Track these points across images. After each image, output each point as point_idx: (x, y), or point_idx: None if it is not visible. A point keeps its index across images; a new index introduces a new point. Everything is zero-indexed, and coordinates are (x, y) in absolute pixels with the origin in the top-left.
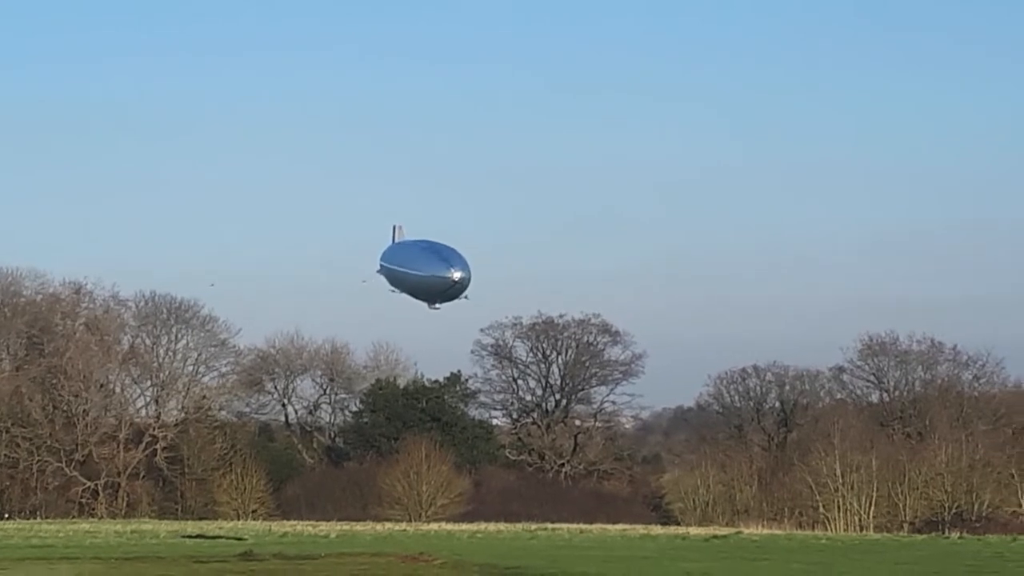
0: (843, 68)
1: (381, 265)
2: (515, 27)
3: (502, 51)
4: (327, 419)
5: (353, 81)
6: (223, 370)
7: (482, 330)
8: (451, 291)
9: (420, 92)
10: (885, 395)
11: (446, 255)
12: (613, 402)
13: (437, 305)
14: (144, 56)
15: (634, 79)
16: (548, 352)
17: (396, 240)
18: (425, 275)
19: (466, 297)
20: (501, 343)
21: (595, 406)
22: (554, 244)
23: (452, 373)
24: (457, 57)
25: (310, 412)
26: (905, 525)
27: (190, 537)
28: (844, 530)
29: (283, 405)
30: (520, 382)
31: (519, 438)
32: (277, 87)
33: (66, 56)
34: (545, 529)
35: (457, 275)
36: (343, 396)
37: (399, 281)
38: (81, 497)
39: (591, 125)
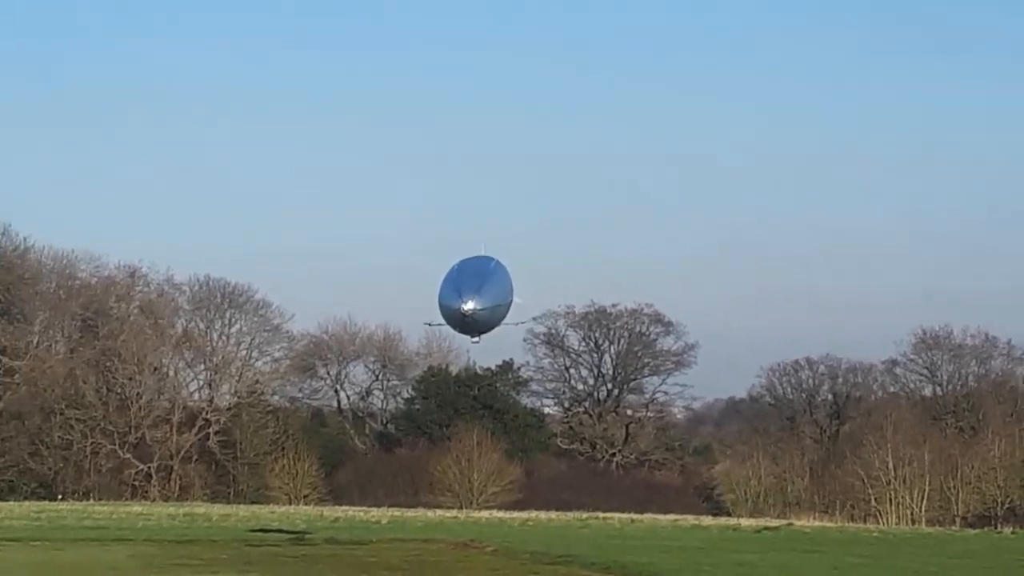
0: (889, 55)
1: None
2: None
3: (535, 40)
4: (379, 405)
5: (402, 70)
6: (276, 355)
7: (534, 319)
8: (465, 325)
9: (454, 81)
10: (938, 389)
11: (460, 282)
12: (665, 392)
13: (475, 339)
14: (202, 38)
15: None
16: (600, 341)
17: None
18: (443, 304)
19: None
20: (554, 332)
21: (647, 396)
22: (604, 232)
23: (504, 361)
24: (492, 46)
25: (362, 398)
26: (957, 519)
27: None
28: (896, 524)
29: (335, 391)
30: (572, 371)
31: (571, 427)
32: (330, 73)
33: (120, 37)
34: (596, 518)
35: (467, 306)
36: (395, 382)
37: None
38: (134, 480)
39: (621, 112)
